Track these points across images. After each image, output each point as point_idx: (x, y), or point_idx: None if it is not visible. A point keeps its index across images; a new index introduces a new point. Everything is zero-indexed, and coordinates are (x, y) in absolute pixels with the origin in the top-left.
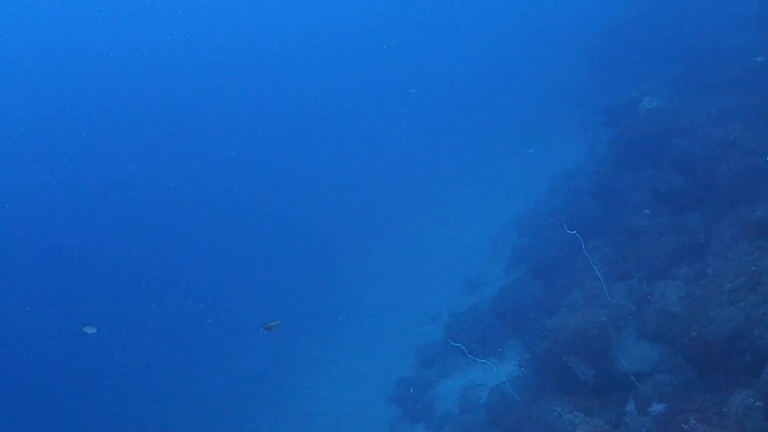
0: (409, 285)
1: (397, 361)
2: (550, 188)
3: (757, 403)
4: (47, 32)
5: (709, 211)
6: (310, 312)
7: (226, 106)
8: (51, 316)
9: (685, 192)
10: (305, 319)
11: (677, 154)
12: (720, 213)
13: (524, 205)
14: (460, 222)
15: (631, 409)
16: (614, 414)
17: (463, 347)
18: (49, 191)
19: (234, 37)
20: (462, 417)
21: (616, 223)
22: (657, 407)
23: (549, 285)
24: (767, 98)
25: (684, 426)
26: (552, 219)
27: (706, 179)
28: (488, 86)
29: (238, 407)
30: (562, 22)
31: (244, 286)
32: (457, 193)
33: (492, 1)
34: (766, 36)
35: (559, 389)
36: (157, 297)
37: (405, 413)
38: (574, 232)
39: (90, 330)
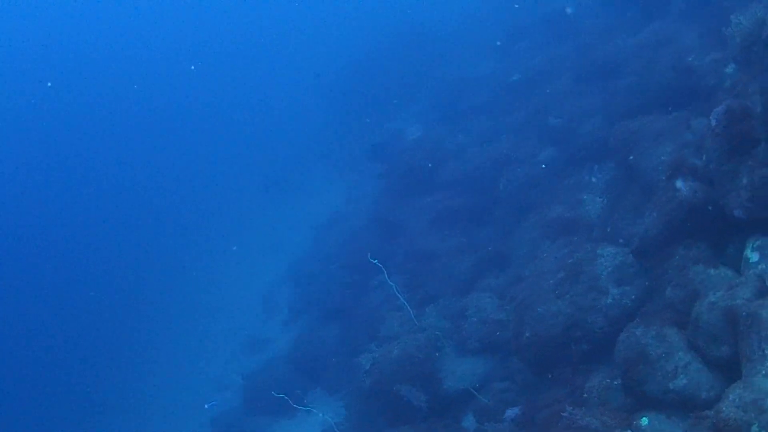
0: (187, 354)
1: None
2: (320, 234)
3: (615, 382)
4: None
5: (498, 223)
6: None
7: None
8: None
9: (469, 210)
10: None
11: (453, 176)
12: (510, 223)
13: (293, 255)
14: (228, 282)
15: (470, 424)
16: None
17: (286, 397)
18: None
19: None
20: None
21: (403, 253)
22: (512, 411)
23: (345, 326)
24: (530, 113)
25: (563, 414)
26: (335, 265)
27: (487, 195)
28: (237, 139)
29: None
30: (300, 66)
31: None
32: (220, 253)
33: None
34: (510, 62)
35: (395, 421)
36: None
37: None
38: (376, 260)
39: None
